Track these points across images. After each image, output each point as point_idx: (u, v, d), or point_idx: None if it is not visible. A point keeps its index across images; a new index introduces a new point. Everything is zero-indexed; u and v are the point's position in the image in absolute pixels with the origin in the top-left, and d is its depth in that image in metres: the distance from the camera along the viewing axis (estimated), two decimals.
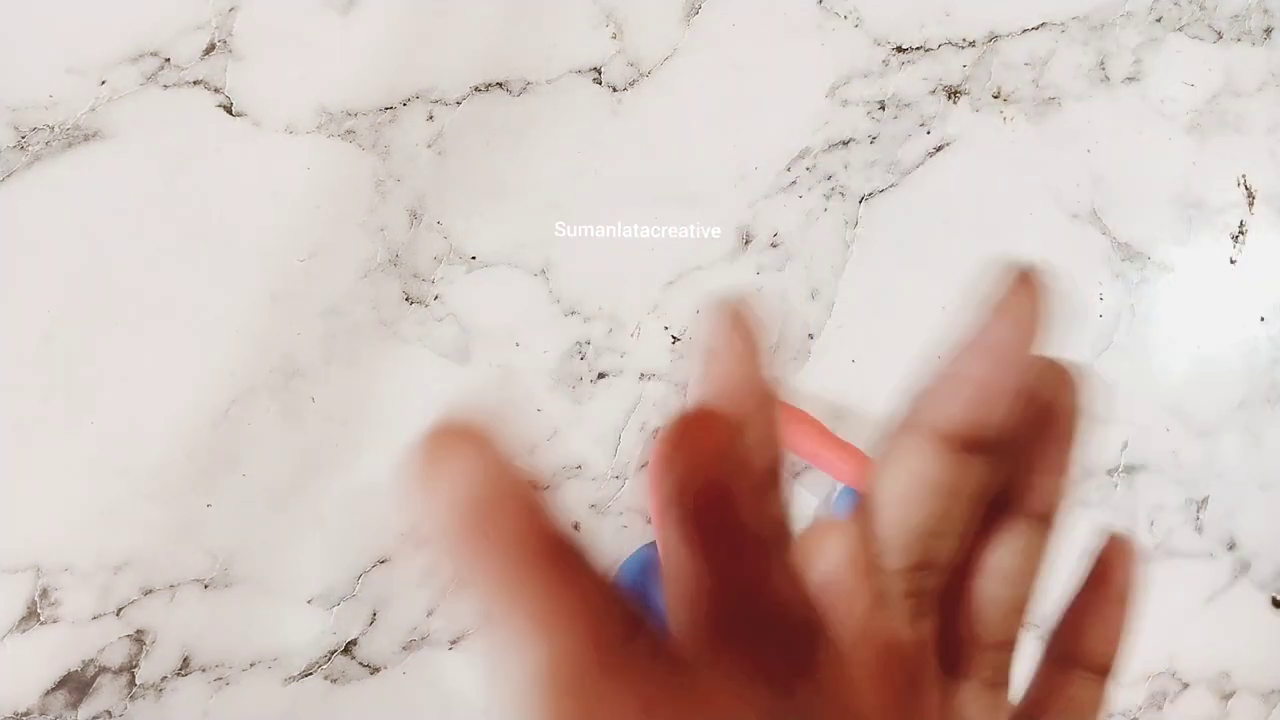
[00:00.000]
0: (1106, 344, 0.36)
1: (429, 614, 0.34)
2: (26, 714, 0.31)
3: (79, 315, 0.34)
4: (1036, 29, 0.38)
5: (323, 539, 0.33)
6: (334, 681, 0.33)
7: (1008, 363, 0.13)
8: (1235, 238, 0.37)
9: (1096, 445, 0.35)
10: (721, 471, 0.10)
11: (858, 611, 0.12)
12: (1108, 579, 0.16)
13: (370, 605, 0.33)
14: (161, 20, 0.36)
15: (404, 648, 0.33)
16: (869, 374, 0.35)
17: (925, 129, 0.37)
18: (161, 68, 0.36)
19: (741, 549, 0.10)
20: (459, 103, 0.36)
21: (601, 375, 0.35)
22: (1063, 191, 0.37)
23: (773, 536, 0.11)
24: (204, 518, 0.33)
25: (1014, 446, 0.14)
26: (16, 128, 0.35)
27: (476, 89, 0.36)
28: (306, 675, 0.32)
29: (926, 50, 0.38)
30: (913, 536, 0.13)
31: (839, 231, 0.36)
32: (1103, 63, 0.38)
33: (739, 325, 0.12)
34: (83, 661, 0.32)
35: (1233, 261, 0.37)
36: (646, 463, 0.34)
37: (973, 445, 0.13)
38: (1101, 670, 0.16)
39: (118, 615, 0.32)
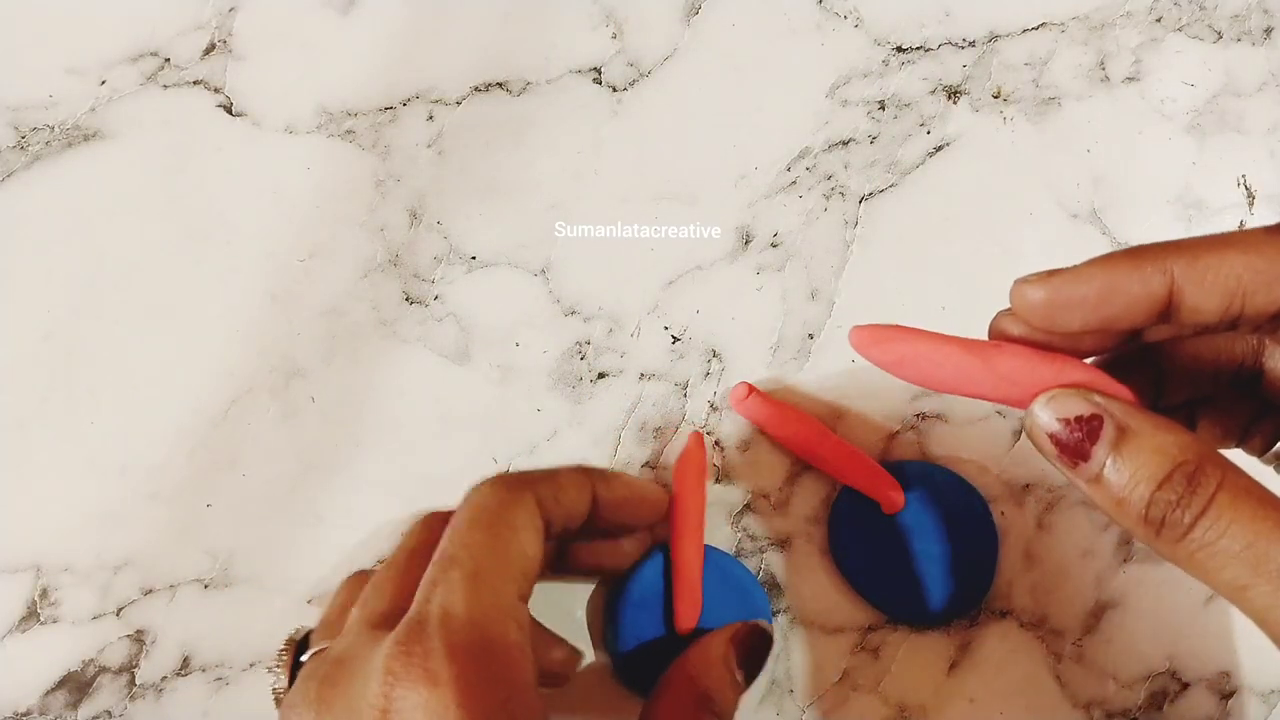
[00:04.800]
0: None
1: None
2: (26, 714, 0.31)
3: (79, 315, 0.34)
4: (1036, 29, 0.38)
5: (322, 539, 0.33)
6: None
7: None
8: None
9: None
10: None
11: None
12: None
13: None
14: (161, 20, 0.36)
15: None
16: (869, 374, 0.35)
17: (925, 129, 0.37)
18: (161, 68, 0.36)
19: None
20: (459, 103, 0.36)
21: (601, 375, 0.35)
22: (1063, 191, 0.37)
23: None
24: (204, 518, 0.33)
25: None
26: (16, 128, 0.35)
27: (476, 89, 0.36)
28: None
29: (926, 50, 0.38)
30: None
31: (839, 231, 0.36)
32: (1103, 63, 0.38)
33: None
34: (83, 661, 0.32)
35: None
36: (648, 463, 0.34)
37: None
38: None
39: (118, 615, 0.32)
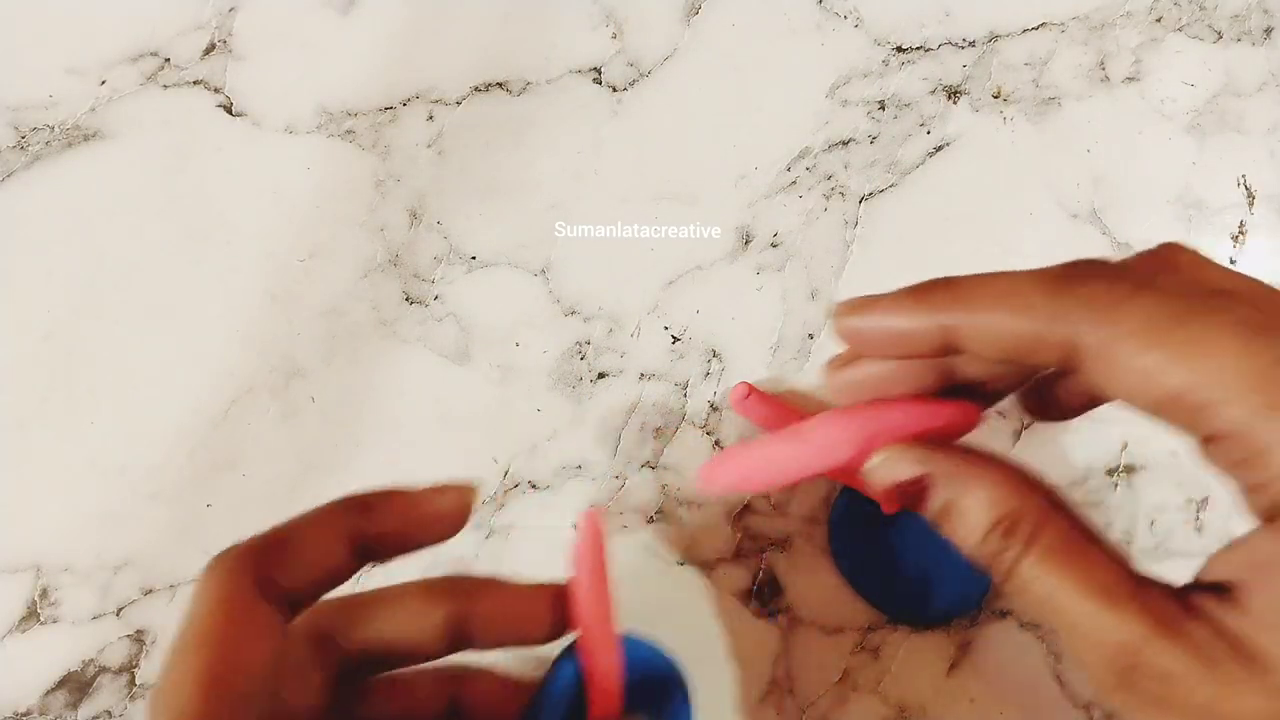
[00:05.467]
0: None
1: None
2: (26, 714, 0.31)
3: (79, 315, 0.34)
4: (1036, 29, 0.38)
5: None
6: None
7: None
8: (1235, 238, 0.37)
9: (1096, 445, 0.35)
10: None
11: None
12: None
13: None
14: (161, 20, 0.36)
15: None
16: None
17: (925, 129, 0.37)
18: (161, 68, 0.36)
19: None
20: (459, 103, 0.36)
21: (601, 375, 0.35)
22: (1063, 191, 0.37)
23: None
24: (204, 518, 0.33)
25: None
26: (16, 128, 0.35)
27: (476, 89, 0.36)
28: None
29: (926, 50, 0.38)
30: None
31: (839, 231, 0.36)
32: (1103, 63, 0.38)
33: None
34: (83, 661, 0.32)
35: (1233, 261, 0.37)
36: (648, 463, 0.34)
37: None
38: None
39: (118, 615, 0.32)
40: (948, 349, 0.19)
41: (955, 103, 0.37)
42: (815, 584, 0.33)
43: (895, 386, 0.21)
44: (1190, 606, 0.17)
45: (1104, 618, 0.17)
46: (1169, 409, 0.16)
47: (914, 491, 0.20)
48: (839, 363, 0.22)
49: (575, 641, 0.27)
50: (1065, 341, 0.17)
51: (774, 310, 0.35)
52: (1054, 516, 0.18)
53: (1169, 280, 0.17)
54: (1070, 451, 0.35)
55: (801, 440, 0.22)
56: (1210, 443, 0.16)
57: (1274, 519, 0.16)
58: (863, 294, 0.21)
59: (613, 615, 0.27)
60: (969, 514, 0.19)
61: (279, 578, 0.20)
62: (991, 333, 0.18)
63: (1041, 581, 0.18)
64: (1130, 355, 0.16)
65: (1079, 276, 0.18)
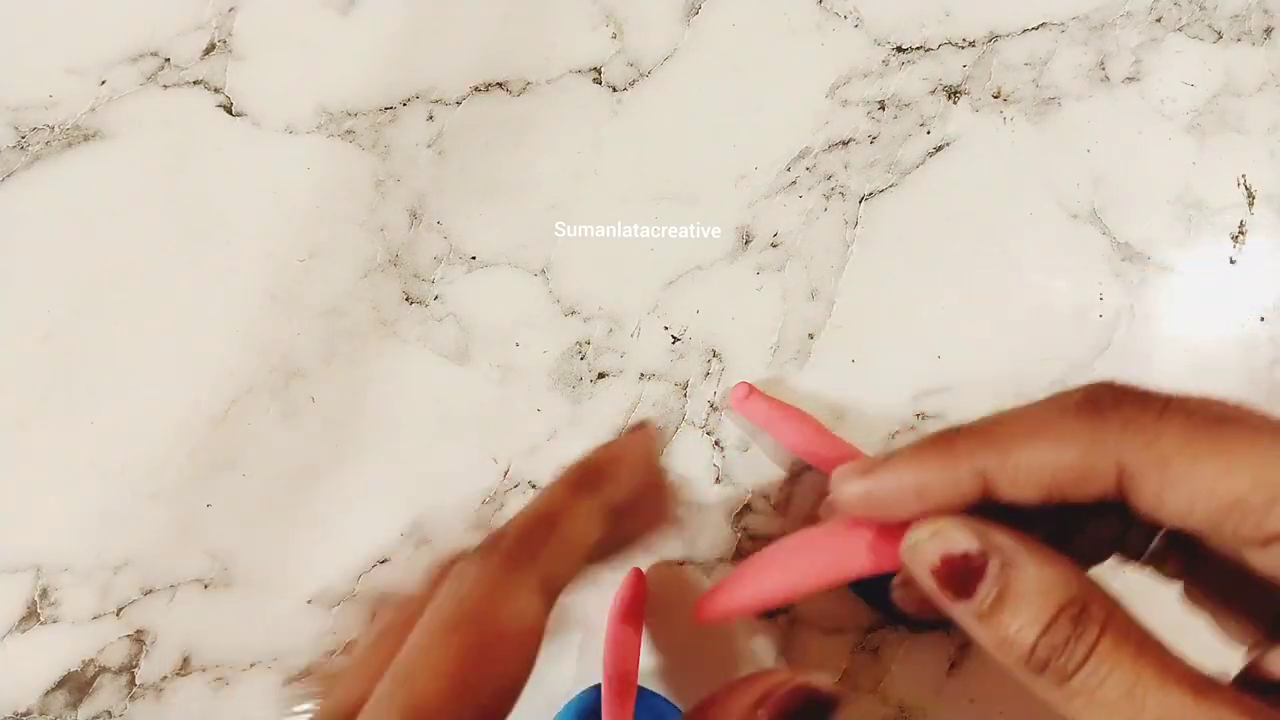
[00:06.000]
0: (1106, 344, 0.36)
1: None
2: (26, 714, 0.31)
3: (79, 315, 0.34)
4: (1036, 29, 0.38)
5: (322, 539, 0.33)
6: None
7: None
8: (1235, 238, 0.37)
9: None
10: None
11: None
12: None
13: (370, 605, 0.33)
14: (161, 20, 0.36)
15: None
16: (869, 374, 0.35)
17: (925, 129, 0.37)
18: (161, 68, 0.36)
19: None
20: (459, 103, 0.36)
21: (601, 375, 0.35)
22: (1063, 191, 0.37)
23: None
24: (204, 518, 0.33)
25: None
26: (16, 128, 0.35)
27: (476, 89, 0.36)
28: (307, 675, 0.32)
29: (926, 50, 0.38)
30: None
31: (839, 231, 0.36)
32: (1103, 63, 0.38)
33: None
34: (83, 661, 0.32)
35: (1233, 261, 0.37)
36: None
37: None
38: None
39: (118, 615, 0.32)
40: (981, 497, 0.18)
41: (955, 103, 0.37)
42: None
43: (925, 502, 0.19)
44: (1273, 699, 0.16)
45: (1197, 711, 0.15)
46: (1230, 516, 0.16)
47: (961, 572, 0.18)
48: (851, 471, 0.19)
49: (597, 686, 0.28)
50: (1113, 468, 0.16)
51: (774, 310, 0.35)
52: (1118, 604, 0.17)
53: (1182, 398, 0.17)
54: None
55: (817, 549, 0.20)
56: (1272, 544, 0.16)
57: None
58: (864, 458, 0.19)
59: (637, 667, 0.28)
60: (1030, 599, 0.17)
61: (554, 582, 0.19)
62: (1033, 469, 0.17)
63: (1120, 675, 0.16)
64: (1184, 468, 0.16)
65: (1109, 401, 0.17)
